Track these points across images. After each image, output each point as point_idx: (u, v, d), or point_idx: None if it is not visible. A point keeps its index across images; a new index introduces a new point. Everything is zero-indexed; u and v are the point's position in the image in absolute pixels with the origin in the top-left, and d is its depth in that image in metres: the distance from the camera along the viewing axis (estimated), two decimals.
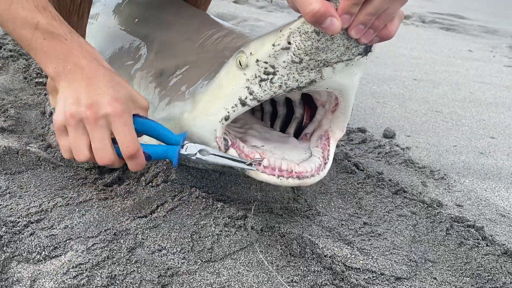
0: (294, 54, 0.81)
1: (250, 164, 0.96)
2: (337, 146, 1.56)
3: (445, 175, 1.49)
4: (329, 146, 1.03)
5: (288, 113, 1.18)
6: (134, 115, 0.97)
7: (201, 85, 1.01)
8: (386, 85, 2.50)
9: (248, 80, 0.89)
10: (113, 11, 1.51)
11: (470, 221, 1.20)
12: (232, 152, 0.98)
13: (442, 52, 3.59)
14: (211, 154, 0.96)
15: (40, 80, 1.69)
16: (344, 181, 1.33)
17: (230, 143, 0.98)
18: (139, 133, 0.98)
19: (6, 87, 1.64)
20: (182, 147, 0.97)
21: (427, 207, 1.25)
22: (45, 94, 1.59)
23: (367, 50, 0.82)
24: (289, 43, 0.80)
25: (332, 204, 1.22)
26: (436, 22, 5.02)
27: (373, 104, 2.16)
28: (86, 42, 0.98)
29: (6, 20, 0.94)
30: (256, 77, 0.88)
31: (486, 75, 3.05)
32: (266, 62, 0.85)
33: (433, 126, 1.99)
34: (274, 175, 0.95)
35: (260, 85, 0.88)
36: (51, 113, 1.40)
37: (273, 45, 0.82)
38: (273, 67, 0.85)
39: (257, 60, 0.86)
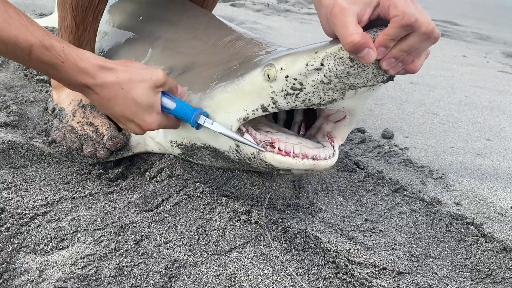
0: (324, 76, 0.84)
1: (263, 147, 0.99)
2: None
3: (443, 174, 1.51)
4: (333, 143, 1.05)
5: (287, 118, 1.20)
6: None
7: (220, 84, 1.03)
8: (383, 87, 2.53)
9: (274, 92, 0.92)
10: (117, 9, 1.52)
11: (469, 218, 1.22)
12: (247, 137, 1.00)
13: (437, 57, 3.63)
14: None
15: (41, 77, 1.70)
16: (345, 179, 1.35)
17: (244, 130, 1.00)
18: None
19: (7, 84, 1.64)
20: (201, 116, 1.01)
21: (426, 205, 1.27)
22: (47, 91, 1.60)
23: (390, 78, 0.87)
24: (322, 64, 0.84)
25: (334, 201, 1.23)
26: None
27: (371, 105, 2.19)
28: (82, 53, 0.95)
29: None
30: (282, 90, 0.91)
31: (481, 80, 3.09)
32: (295, 79, 0.88)
33: (430, 127, 2.01)
34: (289, 156, 0.97)
35: (285, 98, 0.92)
36: (53, 109, 1.40)
37: (306, 64, 0.85)
38: (301, 84, 0.88)
39: (287, 76, 0.89)
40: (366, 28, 0.79)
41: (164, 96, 1.00)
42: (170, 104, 1.01)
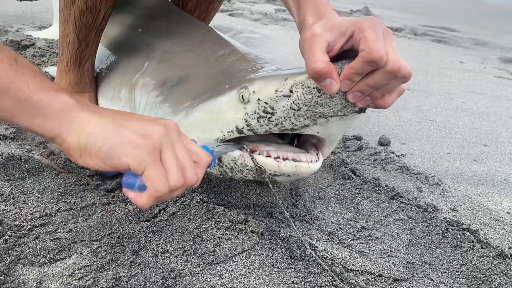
0: (293, 103, 0.86)
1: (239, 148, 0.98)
2: (334, 153, 1.59)
3: (439, 181, 1.52)
4: (318, 152, 1.06)
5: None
6: None
7: (202, 102, 1.04)
8: None
9: (247, 114, 0.94)
10: (116, 21, 1.54)
11: (465, 224, 1.23)
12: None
13: (434, 63, 3.65)
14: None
15: None
16: (342, 187, 1.36)
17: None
18: None
19: None
20: None
21: (423, 211, 1.27)
22: None
23: (361, 110, 0.87)
24: (291, 91, 0.85)
25: (330, 209, 1.24)
26: (427, 34, 5.10)
27: (368, 113, 2.20)
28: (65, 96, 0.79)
29: None
30: (255, 113, 0.92)
31: (478, 86, 3.10)
32: (266, 103, 0.90)
33: (427, 134, 2.03)
34: (271, 157, 0.97)
35: (258, 121, 0.93)
36: None
37: (276, 90, 0.87)
38: (272, 108, 0.90)
39: (259, 99, 0.91)
40: (338, 57, 0.78)
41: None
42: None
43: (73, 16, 1.23)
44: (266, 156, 0.97)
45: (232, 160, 1.00)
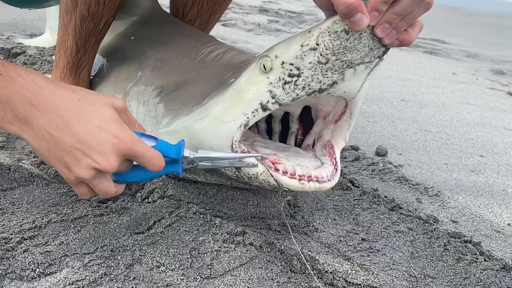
0: (321, 55, 0.83)
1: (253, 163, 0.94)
2: None
3: (439, 192, 1.50)
4: (334, 154, 1.04)
5: (282, 129, 1.19)
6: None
7: (212, 96, 1.01)
8: (375, 105, 2.54)
9: (271, 83, 0.90)
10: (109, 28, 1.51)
11: (466, 236, 1.20)
12: (250, 158, 0.95)
13: (427, 74, 3.67)
14: (213, 156, 0.91)
15: None
16: (340, 198, 1.33)
17: (246, 150, 0.97)
18: None
19: None
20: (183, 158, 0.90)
21: (423, 223, 1.25)
22: None
23: (384, 53, 0.86)
24: (317, 44, 0.83)
25: (329, 220, 1.21)
26: (419, 46, 5.14)
27: (364, 123, 2.18)
28: (23, 69, 0.80)
29: None
30: (280, 80, 0.88)
31: (471, 97, 3.11)
32: (291, 64, 0.87)
33: (423, 144, 2.01)
34: (295, 179, 0.94)
35: (283, 88, 0.89)
36: None
37: (301, 45, 0.84)
38: (298, 68, 0.86)
39: (283, 62, 0.87)
40: None
41: (141, 136, 0.88)
42: (149, 142, 0.87)
43: (74, 22, 1.20)
44: (291, 178, 0.94)
45: (254, 174, 0.96)
